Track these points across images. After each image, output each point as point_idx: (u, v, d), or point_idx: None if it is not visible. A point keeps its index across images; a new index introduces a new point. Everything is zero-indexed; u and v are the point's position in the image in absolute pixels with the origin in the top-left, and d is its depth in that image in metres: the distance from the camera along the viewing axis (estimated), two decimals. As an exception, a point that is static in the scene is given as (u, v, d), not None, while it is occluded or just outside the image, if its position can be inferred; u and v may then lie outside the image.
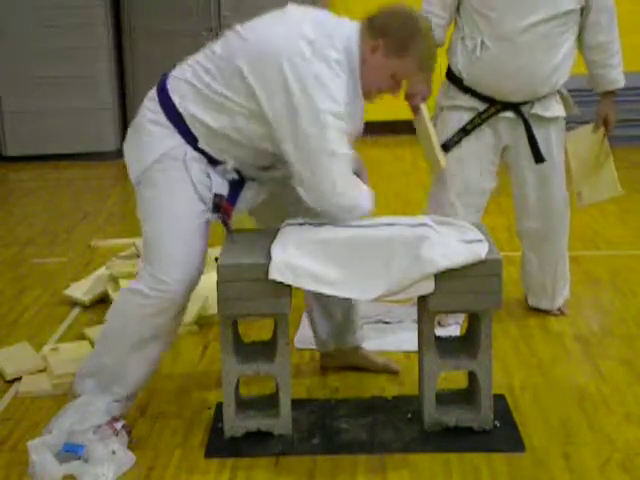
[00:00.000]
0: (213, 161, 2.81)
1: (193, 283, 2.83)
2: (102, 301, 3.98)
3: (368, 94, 2.79)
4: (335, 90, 2.66)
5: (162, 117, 2.79)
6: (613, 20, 3.59)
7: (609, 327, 3.68)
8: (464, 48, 3.49)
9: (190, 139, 2.78)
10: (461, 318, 3.65)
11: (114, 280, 4.01)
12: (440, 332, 3.41)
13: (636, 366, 3.30)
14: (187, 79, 2.78)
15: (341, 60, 2.68)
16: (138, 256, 4.26)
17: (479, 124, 3.56)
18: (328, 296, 3.06)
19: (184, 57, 2.87)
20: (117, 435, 2.73)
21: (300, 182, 2.73)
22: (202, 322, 3.75)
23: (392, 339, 3.54)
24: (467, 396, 2.95)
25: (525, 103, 3.53)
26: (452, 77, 3.58)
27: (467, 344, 2.91)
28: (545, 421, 2.94)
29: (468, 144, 3.58)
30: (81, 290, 4.05)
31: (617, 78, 3.67)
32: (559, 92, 3.60)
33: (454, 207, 3.62)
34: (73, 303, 4.01)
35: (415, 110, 3.39)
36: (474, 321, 2.87)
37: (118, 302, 2.94)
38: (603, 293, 4.06)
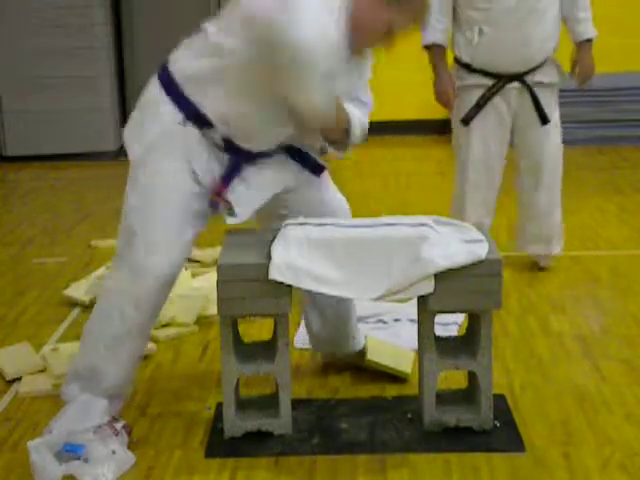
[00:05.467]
0: (205, 123, 2.74)
1: (169, 274, 2.78)
2: (102, 301, 3.98)
3: (361, 44, 2.70)
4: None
5: (157, 90, 2.77)
6: None
7: (609, 327, 3.68)
8: (465, 39, 4.03)
9: (184, 103, 2.73)
10: (461, 318, 3.65)
11: (114, 280, 4.00)
12: (440, 332, 3.41)
13: (636, 366, 3.30)
14: (181, 46, 2.80)
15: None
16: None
17: (490, 97, 4.07)
18: (322, 307, 3.09)
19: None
20: (117, 435, 2.73)
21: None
22: (202, 322, 3.75)
23: (391, 339, 3.53)
24: (467, 396, 2.95)
25: (527, 73, 4.05)
26: (460, 63, 4.10)
27: (467, 344, 2.91)
28: (545, 421, 2.94)
29: (486, 121, 4.10)
30: (81, 290, 4.04)
31: (585, 30, 4.15)
32: (553, 61, 4.13)
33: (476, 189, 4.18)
34: (73, 303, 4.01)
35: None
36: (474, 321, 2.87)
37: (97, 302, 2.93)
38: (603, 293, 4.06)
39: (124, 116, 7.18)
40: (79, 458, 2.66)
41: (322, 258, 2.70)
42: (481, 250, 2.71)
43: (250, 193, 2.85)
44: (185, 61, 2.77)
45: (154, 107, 2.79)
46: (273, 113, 2.74)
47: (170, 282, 2.81)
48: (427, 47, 4.12)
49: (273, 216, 2.97)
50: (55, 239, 5.10)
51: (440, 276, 2.68)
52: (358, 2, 2.62)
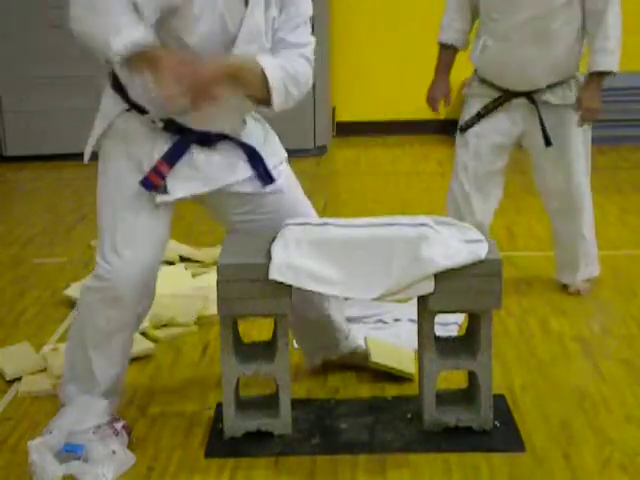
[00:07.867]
0: (142, 112, 2.76)
1: (142, 267, 2.74)
2: (102, 301, 3.99)
3: None
4: None
5: (108, 85, 2.85)
6: (608, 5, 3.63)
7: (609, 327, 3.68)
8: (476, 47, 3.82)
9: (123, 93, 2.77)
10: (461, 318, 3.65)
11: (114, 280, 4.00)
12: (440, 332, 3.42)
13: (636, 366, 3.30)
14: None
15: None
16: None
17: (491, 109, 3.84)
18: (302, 316, 3.06)
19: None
20: (117, 435, 2.73)
21: None
22: (202, 322, 3.75)
23: (391, 339, 3.53)
24: (467, 396, 2.95)
25: (536, 91, 3.77)
26: (475, 70, 3.91)
27: (467, 344, 2.91)
28: (545, 421, 2.94)
29: (482, 130, 3.86)
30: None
31: (599, 61, 3.67)
32: (577, 81, 3.80)
33: (468, 197, 3.92)
34: (73, 303, 4.00)
35: None
36: (474, 321, 2.87)
37: (78, 303, 2.93)
38: (603, 293, 4.05)
39: (124, 116, 7.19)
40: (79, 458, 2.66)
41: (322, 258, 2.70)
42: (481, 250, 2.71)
43: (193, 176, 2.79)
44: None
45: (102, 102, 2.85)
46: None
47: (147, 276, 2.77)
48: (440, 45, 3.97)
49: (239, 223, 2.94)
50: (55, 239, 5.10)
51: (440, 276, 2.68)
52: None
